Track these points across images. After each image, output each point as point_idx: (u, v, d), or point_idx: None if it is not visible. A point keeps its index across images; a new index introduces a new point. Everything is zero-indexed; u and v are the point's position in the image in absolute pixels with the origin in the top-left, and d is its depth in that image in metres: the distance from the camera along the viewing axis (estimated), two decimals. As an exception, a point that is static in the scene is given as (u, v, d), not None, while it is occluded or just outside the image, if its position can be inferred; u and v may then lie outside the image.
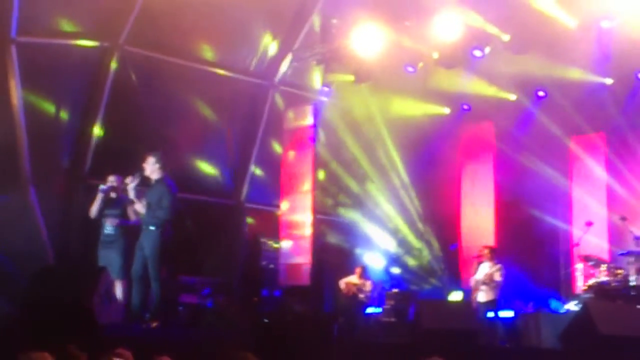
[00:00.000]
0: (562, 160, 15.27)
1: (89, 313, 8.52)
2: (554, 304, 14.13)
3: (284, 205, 16.46)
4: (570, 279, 14.11)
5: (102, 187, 10.83)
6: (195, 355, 6.53)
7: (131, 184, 10.48)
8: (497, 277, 12.77)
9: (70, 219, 13.76)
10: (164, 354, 5.64)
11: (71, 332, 7.92)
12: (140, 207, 10.27)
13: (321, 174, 17.00)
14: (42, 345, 5.65)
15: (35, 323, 8.31)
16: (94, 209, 10.85)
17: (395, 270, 16.76)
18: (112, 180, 10.88)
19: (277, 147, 16.90)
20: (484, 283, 12.83)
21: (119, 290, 10.42)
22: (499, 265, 12.93)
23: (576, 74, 14.51)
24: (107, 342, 6.82)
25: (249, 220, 16.56)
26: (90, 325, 8.39)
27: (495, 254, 13.19)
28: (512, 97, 16.02)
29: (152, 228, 10.12)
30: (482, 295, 12.93)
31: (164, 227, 10.14)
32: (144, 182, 10.55)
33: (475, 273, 13.17)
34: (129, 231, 10.60)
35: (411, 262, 17.28)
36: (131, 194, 10.54)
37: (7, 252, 12.61)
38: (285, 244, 16.16)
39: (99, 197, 10.81)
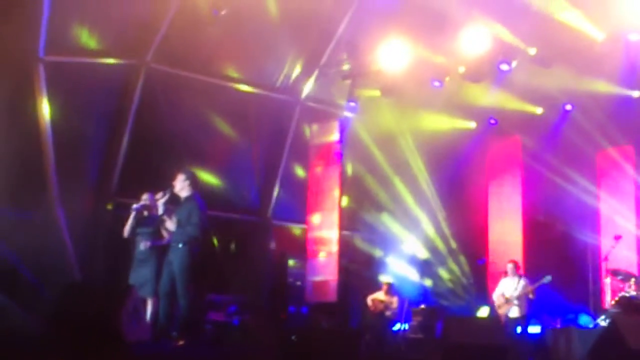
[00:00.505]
0: (590, 174, 15.18)
1: (117, 331, 8.55)
2: (583, 319, 13.99)
3: (311, 222, 16.45)
4: (599, 293, 13.98)
5: (134, 205, 10.89)
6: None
7: (161, 199, 10.56)
8: (528, 288, 12.69)
9: (97, 236, 13.86)
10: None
11: (99, 349, 7.95)
12: (170, 224, 10.32)
13: (348, 190, 16.98)
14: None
15: (63, 340, 8.36)
16: (127, 228, 10.91)
17: (423, 285, 16.69)
18: (145, 198, 10.95)
19: (304, 164, 16.92)
20: (518, 298, 12.75)
21: (149, 309, 10.45)
22: (525, 280, 12.85)
23: (603, 87, 14.42)
24: (135, 360, 6.85)
25: (276, 237, 16.58)
26: (117, 343, 8.41)
27: (518, 268, 13.12)
28: (539, 110, 15.95)
29: (180, 245, 10.16)
30: (515, 311, 12.84)
31: (192, 244, 10.18)
32: (174, 200, 10.61)
33: (496, 289, 13.11)
34: (162, 250, 10.64)
35: (439, 277, 17.20)
36: (160, 210, 10.61)
37: (33, 269, 12.72)
38: (312, 261, 16.14)
39: (132, 216, 10.87)
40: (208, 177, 15.14)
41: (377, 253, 17.30)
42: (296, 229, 16.87)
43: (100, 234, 13.85)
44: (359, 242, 17.26)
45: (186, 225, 10.14)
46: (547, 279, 12.73)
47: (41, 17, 12.62)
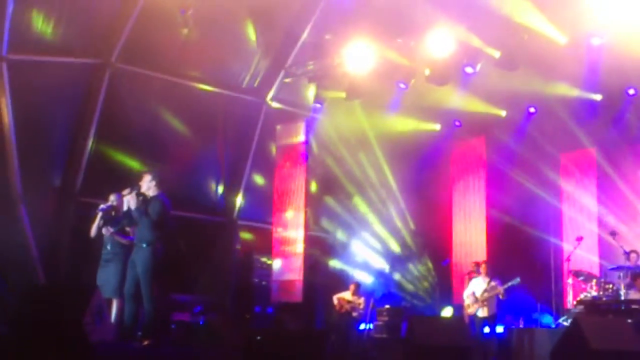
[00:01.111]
0: (553, 176, 15.34)
1: (81, 332, 8.49)
2: (545, 318, 14.15)
3: (277, 222, 16.45)
4: (561, 293, 14.14)
5: (101, 206, 10.82)
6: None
7: (127, 195, 10.52)
8: (499, 289, 12.82)
9: (60, 236, 13.74)
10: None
11: (62, 350, 7.89)
12: (133, 203, 10.21)
13: (313, 191, 17.02)
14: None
15: (26, 340, 8.28)
16: (93, 228, 10.83)
17: (388, 287, 16.76)
18: (112, 199, 10.88)
19: (270, 164, 16.91)
20: (488, 298, 12.84)
21: (114, 309, 10.39)
22: (496, 281, 12.97)
23: (566, 90, 14.59)
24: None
25: (242, 237, 16.56)
26: (81, 344, 8.35)
27: (489, 269, 13.24)
28: (503, 113, 16.10)
29: (144, 245, 10.11)
30: (484, 310, 12.92)
31: (155, 245, 10.13)
32: (139, 198, 10.56)
33: (466, 289, 13.20)
34: (127, 250, 10.57)
35: (403, 278, 17.29)
36: (132, 204, 10.53)
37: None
38: (278, 261, 16.14)
39: (98, 216, 10.79)
40: (173, 177, 15.07)
41: (342, 254, 17.32)
42: (262, 229, 16.85)
43: (64, 233, 13.74)
44: (324, 243, 17.28)
45: (150, 225, 10.10)
46: (517, 280, 12.84)
47: (4, 14, 12.50)
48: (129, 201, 10.37)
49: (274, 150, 16.86)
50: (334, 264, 17.14)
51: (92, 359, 7.86)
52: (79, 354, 7.99)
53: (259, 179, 16.88)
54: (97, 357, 7.92)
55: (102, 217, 10.76)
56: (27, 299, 9.63)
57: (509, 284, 12.83)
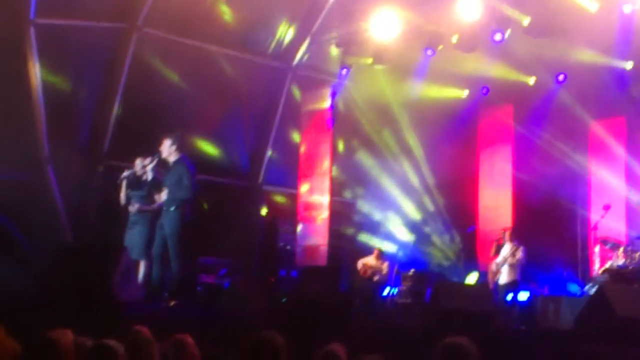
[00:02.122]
0: (581, 144, 15.22)
1: (109, 291, 8.61)
2: (571, 286, 14.11)
3: (302, 187, 16.49)
4: (587, 261, 14.09)
5: (124, 174, 10.90)
6: (214, 334, 6.59)
7: (149, 165, 10.62)
8: (519, 255, 12.82)
9: (88, 199, 13.87)
10: (183, 332, 5.68)
11: (91, 309, 8.01)
12: (163, 194, 10.35)
13: (339, 156, 17.02)
14: (64, 323, 5.72)
15: (56, 300, 8.41)
16: (122, 197, 10.92)
17: (414, 252, 16.78)
18: (138, 163, 10.95)
19: (295, 130, 16.92)
20: (507, 264, 12.87)
21: (141, 270, 10.52)
22: (520, 247, 12.98)
23: (597, 58, 14.41)
24: (127, 320, 6.90)
25: (267, 201, 16.63)
26: (110, 303, 8.47)
27: (515, 235, 13.24)
28: (532, 80, 15.95)
29: (172, 209, 10.20)
30: (504, 277, 12.96)
31: (183, 208, 10.23)
32: (164, 164, 10.65)
33: (495, 256, 13.23)
34: (154, 212, 10.68)
35: (429, 243, 17.29)
36: (149, 175, 10.68)
37: (25, 230, 12.74)
38: (303, 226, 16.20)
39: (123, 184, 10.87)
40: (199, 142, 15.12)
41: (369, 218, 17.35)
42: (287, 194, 16.91)
43: (91, 195, 13.87)
44: (351, 208, 17.31)
45: (176, 189, 10.18)
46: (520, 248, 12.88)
47: (32, -22, 12.54)
48: (150, 171, 10.47)
49: (299, 115, 16.84)
50: (359, 229, 17.17)
51: (120, 318, 7.97)
52: (108, 313, 8.11)
53: (284, 144, 16.89)
54: (125, 316, 8.03)
55: (126, 184, 10.85)
56: (57, 260, 9.78)
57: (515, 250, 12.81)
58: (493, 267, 13.20)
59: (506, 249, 13.12)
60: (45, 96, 13.18)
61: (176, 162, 10.39)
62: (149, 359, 5.01)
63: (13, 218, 12.61)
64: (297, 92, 16.79)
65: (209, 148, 15.61)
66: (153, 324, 5.73)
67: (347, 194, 17.35)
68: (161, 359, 5.18)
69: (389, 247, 16.61)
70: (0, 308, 8.17)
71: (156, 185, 10.69)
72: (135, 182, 10.95)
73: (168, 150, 10.38)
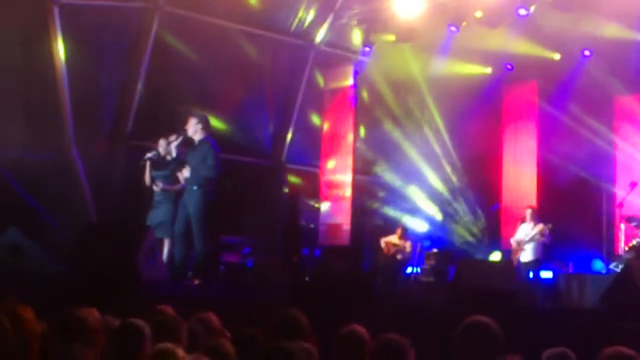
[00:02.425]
0: (607, 120, 15.09)
1: (134, 270, 8.68)
2: (596, 264, 14.04)
3: (325, 166, 16.49)
4: (612, 239, 13.99)
5: (147, 155, 10.94)
6: (237, 313, 6.62)
7: (174, 142, 10.67)
8: (542, 234, 12.77)
9: (112, 178, 13.96)
10: (206, 310, 5.72)
11: (116, 288, 8.08)
12: (186, 171, 10.40)
13: (361, 134, 16.98)
14: (89, 302, 5.78)
15: (81, 279, 8.48)
16: (146, 177, 10.97)
17: (437, 230, 16.76)
18: (162, 144, 11.00)
19: (318, 108, 16.88)
20: (530, 241, 12.84)
21: (166, 249, 10.58)
22: (541, 225, 12.92)
23: (623, 33, 14.23)
24: (151, 299, 6.95)
25: (290, 180, 16.65)
26: (135, 282, 8.54)
27: (537, 213, 13.18)
28: (557, 56, 15.79)
29: (195, 188, 10.24)
30: (526, 255, 12.94)
31: (206, 187, 10.26)
32: (188, 143, 10.68)
33: (515, 233, 13.19)
34: (178, 192, 10.73)
35: (452, 222, 17.25)
36: (173, 152, 10.73)
37: (51, 210, 12.85)
38: (326, 204, 16.21)
39: (147, 165, 10.92)
40: (222, 121, 15.13)
41: (389, 198, 17.33)
42: (310, 173, 16.92)
43: (116, 176, 13.96)
44: (372, 186, 17.29)
45: (201, 168, 10.22)
46: (549, 226, 12.80)
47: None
48: (175, 149, 10.51)
49: (322, 93, 16.80)
50: (382, 207, 17.16)
51: (144, 296, 8.03)
52: (132, 291, 8.17)
53: (307, 123, 16.88)
54: (150, 295, 8.09)
55: (150, 165, 10.90)
56: (82, 239, 9.86)
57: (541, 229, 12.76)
58: (514, 244, 13.16)
59: (528, 227, 13.07)
60: (69, 76, 13.23)
61: (201, 141, 10.42)
62: (175, 338, 5.03)
63: (39, 198, 12.73)
64: (319, 71, 16.73)
65: (231, 127, 15.62)
66: (177, 303, 5.77)
67: (370, 172, 17.31)
68: (189, 337, 5.21)
69: (413, 225, 16.61)
70: (27, 287, 8.27)
71: (180, 164, 10.73)
72: (159, 162, 11.00)
73: (194, 129, 10.41)
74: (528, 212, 13.33)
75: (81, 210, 13.23)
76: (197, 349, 4.54)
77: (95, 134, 14.00)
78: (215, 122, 14.60)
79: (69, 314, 4.76)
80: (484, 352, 4.28)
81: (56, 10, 12.96)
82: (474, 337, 4.34)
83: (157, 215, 10.77)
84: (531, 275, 12.95)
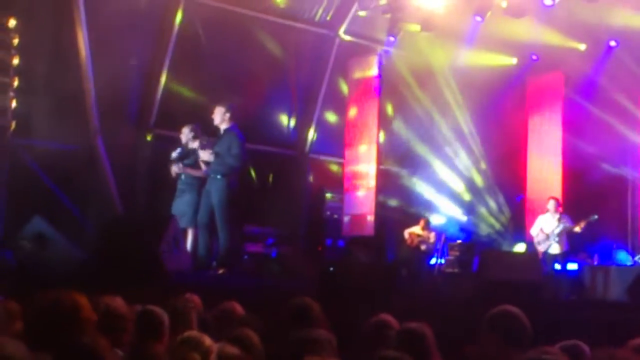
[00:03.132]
0: (632, 112, 14.93)
1: (158, 260, 8.72)
2: (621, 256, 13.93)
3: (349, 156, 16.45)
4: (638, 231, 13.88)
5: (173, 154, 10.95)
6: (260, 302, 6.64)
7: (199, 149, 10.70)
8: (567, 226, 12.71)
9: (137, 168, 14.02)
10: (231, 300, 5.74)
11: (141, 278, 8.12)
12: (204, 154, 10.39)
13: (386, 125, 16.94)
14: (114, 292, 5.81)
15: (107, 269, 8.54)
16: (173, 170, 10.99)
17: (461, 222, 16.71)
18: (186, 132, 11.03)
19: (342, 98, 16.85)
20: (559, 234, 12.77)
21: (190, 239, 10.61)
22: (565, 217, 12.84)
23: (649, 23, 14.09)
24: (176, 288, 6.99)
25: (313, 170, 16.65)
26: (159, 272, 8.58)
27: (559, 205, 13.12)
28: (582, 47, 15.66)
29: (219, 177, 10.26)
30: (555, 247, 12.86)
31: (230, 176, 10.28)
32: (212, 132, 10.72)
33: (534, 225, 13.14)
34: (202, 181, 10.76)
35: (477, 213, 17.17)
36: (196, 144, 10.75)
37: (76, 200, 12.93)
38: (349, 195, 16.19)
39: (174, 163, 10.93)
40: (246, 111, 15.14)
41: (415, 187, 17.30)
42: (333, 163, 16.90)
43: (140, 165, 14.01)
44: (397, 177, 17.26)
45: (227, 157, 10.23)
46: (594, 217, 12.72)
47: (80, -53, 12.60)
48: (201, 154, 10.49)
49: (346, 84, 16.77)
50: (407, 198, 17.12)
51: (169, 286, 8.07)
52: (157, 281, 8.22)
53: (330, 113, 16.86)
54: (174, 284, 8.13)
55: (176, 160, 10.93)
56: (107, 229, 9.93)
57: (587, 220, 12.68)
58: (542, 236, 13.07)
59: (552, 218, 12.98)
60: (94, 66, 13.27)
61: (227, 130, 10.45)
62: (188, 325, 5.09)
63: (64, 188, 12.81)
64: (344, 60, 16.68)
65: (256, 117, 15.62)
66: (202, 292, 5.80)
67: (395, 163, 17.27)
68: (201, 325, 5.27)
69: (437, 216, 16.57)
70: (53, 276, 8.34)
71: (198, 152, 10.77)
72: (183, 151, 11.04)
73: (220, 117, 10.44)
74: (551, 203, 13.24)
75: (106, 199, 13.30)
76: (221, 338, 4.56)
77: (120, 123, 14.04)
78: (240, 112, 14.63)
79: (99, 302, 4.77)
80: (511, 342, 4.24)
81: (81, 0, 12.99)
82: (502, 326, 4.30)
83: (180, 204, 10.81)
84: (558, 267, 12.87)
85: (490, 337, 4.30)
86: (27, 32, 12.55)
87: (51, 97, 12.80)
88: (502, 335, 4.26)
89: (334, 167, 16.87)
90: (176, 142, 11.50)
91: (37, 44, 12.84)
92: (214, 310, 5.60)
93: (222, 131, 10.50)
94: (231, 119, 10.45)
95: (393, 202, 16.89)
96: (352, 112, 16.55)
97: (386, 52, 16.69)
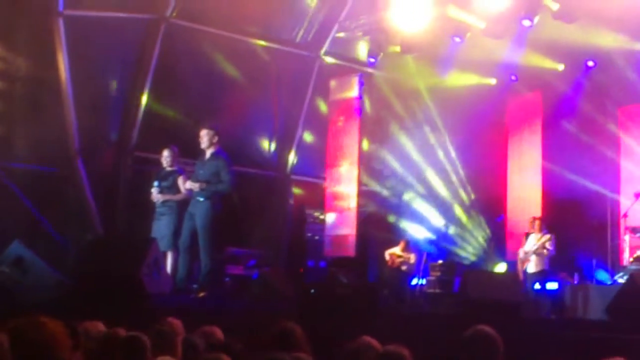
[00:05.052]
0: (610, 131, 15.05)
1: (138, 283, 8.67)
2: (600, 275, 14.01)
3: (330, 177, 16.48)
4: (617, 250, 13.96)
5: (155, 183, 10.89)
6: (242, 325, 6.62)
7: (169, 157, 10.69)
8: (549, 246, 12.76)
9: (117, 191, 13.97)
10: (211, 323, 5.72)
11: (121, 301, 8.08)
12: (195, 186, 10.35)
13: (366, 146, 16.99)
14: (94, 315, 5.79)
15: (86, 292, 8.49)
16: (154, 196, 10.92)
17: (441, 242, 16.74)
18: (166, 155, 10.97)
19: (323, 119, 16.90)
20: (535, 253, 12.83)
21: (169, 261, 10.56)
22: (548, 235, 12.90)
23: (626, 43, 14.24)
24: (156, 312, 6.95)
25: (295, 192, 16.65)
26: (139, 295, 8.53)
27: (544, 225, 13.18)
28: (561, 67, 15.81)
29: (203, 199, 10.23)
30: (532, 266, 12.92)
31: (213, 199, 10.26)
32: (191, 154, 10.71)
33: (523, 245, 13.18)
34: (182, 203, 10.72)
35: (457, 233, 17.22)
36: (191, 186, 10.65)
37: (56, 223, 12.86)
38: (331, 216, 16.20)
39: (155, 192, 10.87)
40: (227, 132, 15.14)
41: (394, 209, 17.33)
42: (315, 184, 16.91)
43: (121, 187, 13.97)
44: (377, 198, 17.29)
45: (215, 181, 10.21)
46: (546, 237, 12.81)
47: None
48: (188, 185, 10.45)
49: (326, 105, 16.82)
50: (388, 218, 17.15)
51: (149, 309, 8.03)
52: (138, 304, 8.17)
53: (312, 134, 16.89)
54: (154, 307, 8.09)
55: (157, 187, 10.88)
56: (87, 252, 9.87)
57: (545, 239, 12.75)
58: (521, 255, 13.15)
59: (534, 238, 13.06)
60: (74, 88, 13.26)
61: (214, 154, 10.43)
62: (172, 350, 5.07)
63: (44, 210, 12.75)
64: (325, 81, 16.75)
65: (237, 139, 15.62)
66: (182, 316, 5.78)
67: (375, 183, 17.31)
68: (188, 349, 5.24)
69: (417, 236, 16.59)
70: (33, 300, 8.28)
71: (179, 175, 10.76)
72: (161, 173, 11.01)
73: (209, 141, 10.41)
74: (536, 224, 13.31)
75: (86, 222, 13.24)
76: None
77: (101, 145, 14.02)
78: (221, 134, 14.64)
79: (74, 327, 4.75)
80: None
81: (61, 22, 12.99)
82: (475, 346, 4.37)
83: (160, 227, 10.75)
84: (537, 286, 12.92)
85: (464, 357, 4.38)
86: (8, 57, 12.53)
87: (31, 119, 12.77)
88: (474, 356, 4.34)
89: (316, 188, 16.88)
90: (156, 164, 11.47)
91: (17, 68, 12.82)
92: (194, 333, 5.58)
93: (208, 154, 10.46)
94: (218, 142, 10.45)
95: (375, 223, 16.89)
96: (333, 133, 16.59)
97: (367, 73, 16.76)
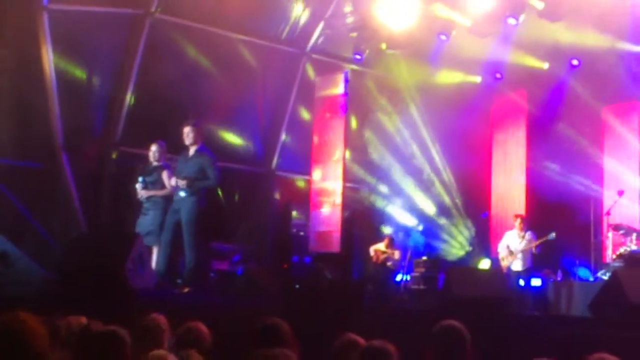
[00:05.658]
0: (594, 129, 15.15)
1: (123, 278, 8.66)
2: (583, 272, 14.10)
3: (315, 174, 16.49)
4: (600, 247, 14.06)
5: (139, 181, 10.86)
6: (227, 321, 6.62)
7: (157, 151, 10.68)
8: (531, 243, 12.87)
9: (102, 186, 13.93)
10: (196, 319, 5.72)
11: (105, 296, 8.06)
12: (173, 180, 10.35)
13: (352, 143, 17.01)
14: (78, 310, 5.78)
15: (71, 287, 8.47)
16: (139, 193, 10.90)
17: (425, 239, 16.79)
18: (153, 149, 10.94)
19: (308, 116, 16.91)
20: (522, 252, 12.93)
21: (154, 257, 10.54)
22: (531, 234, 13.00)
23: (610, 42, 14.31)
24: (140, 307, 6.95)
25: (280, 188, 16.66)
26: (123, 290, 8.52)
27: (527, 222, 13.26)
28: (545, 65, 15.87)
29: (187, 195, 10.22)
30: (518, 264, 13.00)
31: (199, 195, 10.26)
32: (175, 150, 10.69)
33: (501, 241, 13.27)
34: (167, 198, 10.71)
35: (441, 229, 17.28)
36: (158, 161, 10.70)
37: (40, 218, 12.82)
38: (316, 212, 16.22)
39: (139, 187, 10.85)
40: (213, 128, 15.13)
41: (380, 204, 17.37)
42: (300, 181, 16.93)
43: (106, 183, 13.93)
44: (363, 194, 17.32)
45: (200, 178, 10.21)
46: (552, 235, 12.87)
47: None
48: (173, 181, 10.44)
49: (312, 101, 16.83)
50: (372, 215, 17.19)
51: (134, 304, 8.02)
52: (122, 299, 8.16)
53: (298, 131, 16.89)
54: (139, 302, 8.08)
55: (142, 184, 10.85)
56: (71, 247, 9.84)
57: (544, 239, 12.86)
58: (506, 252, 13.21)
59: (518, 235, 13.13)
60: (58, 83, 13.20)
61: (198, 151, 10.41)
62: (158, 345, 5.06)
63: (28, 205, 12.70)
64: (311, 78, 16.75)
65: (222, 134, 15.63)
66: (167, 311, 5.77)
67: (360, 180, 17.33)
68: (174, 345, 5.23)
69: (402, 232, 16.64)
70: (15, 295, 8.25)
71: (164, 170, 10.75)
72: (146, 168, 11.00)
73: (193, 137, 10.39)
74: (517, 221, 13.39)
75: (71, 217, 13.20)
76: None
77: (85, 140, 13.96)
78: (207, 130, 14.63)
79: (58, 322, 4.73)
80: (451, 356, 4.36)
81: (45, 16, 12.92)
82: (443, 340, 4.44)
83: (145, 222, 10.74)
84: (522, 283, 13.00)
85: (431, 352, 4.46)
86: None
87: (15, 114, 12.70)
88: (443, 350, 4.43)
89: (301, 184, 16.90)
90: (141, 159, 11.45)
91: (1, 62, 12.75)
92: (179, 329, 5.57)
93: (192, 151, 10.45)
94: (201, 138, 10.45)
95: (359, 219, 16.93)
96: (319, 129, 16.61)
97: (352, 69, 16.78)
